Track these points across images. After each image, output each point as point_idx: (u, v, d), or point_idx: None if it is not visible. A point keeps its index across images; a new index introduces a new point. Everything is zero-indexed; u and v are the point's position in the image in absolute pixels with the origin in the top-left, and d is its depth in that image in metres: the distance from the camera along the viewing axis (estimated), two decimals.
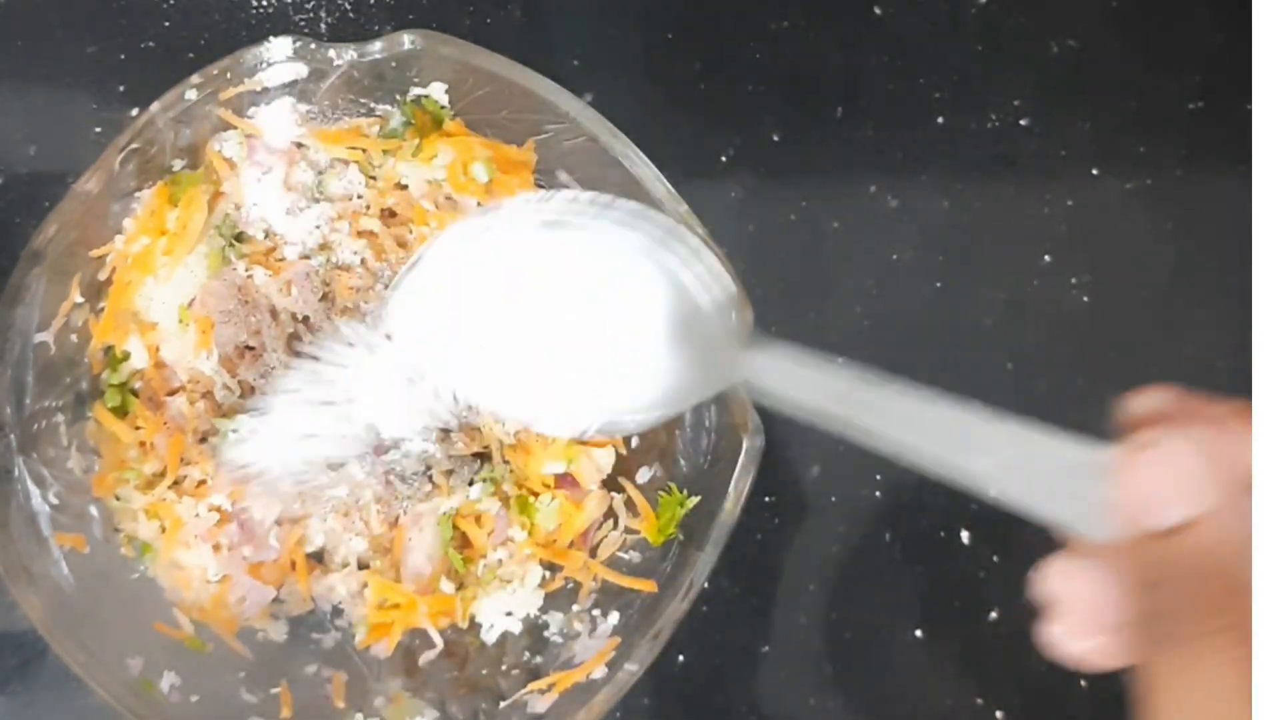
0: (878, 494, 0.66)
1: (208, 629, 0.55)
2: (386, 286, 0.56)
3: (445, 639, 0.56)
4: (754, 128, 0.66)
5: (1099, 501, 0.34)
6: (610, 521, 0.57)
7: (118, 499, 0.55)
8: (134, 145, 0.51)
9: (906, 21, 0.67)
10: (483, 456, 0.58)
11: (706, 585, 0.55)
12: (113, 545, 0.55)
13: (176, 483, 0.55)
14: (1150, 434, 0.33)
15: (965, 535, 0.66)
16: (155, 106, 0.51)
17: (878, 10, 0.67)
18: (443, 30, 0.52)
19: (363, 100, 0.56)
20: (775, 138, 0.66)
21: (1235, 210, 0.68)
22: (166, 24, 0.63)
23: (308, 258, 0.56)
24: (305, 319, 0.56)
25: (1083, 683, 0.66)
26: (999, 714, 0.65)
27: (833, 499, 0.65)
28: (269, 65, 0.51)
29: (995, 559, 0.66)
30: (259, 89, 0.53)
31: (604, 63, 0.66)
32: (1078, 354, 0.67)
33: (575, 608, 0.56)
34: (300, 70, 0.52)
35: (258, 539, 0.56)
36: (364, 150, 0.57)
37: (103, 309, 0.54)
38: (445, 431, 0.57)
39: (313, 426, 0.53)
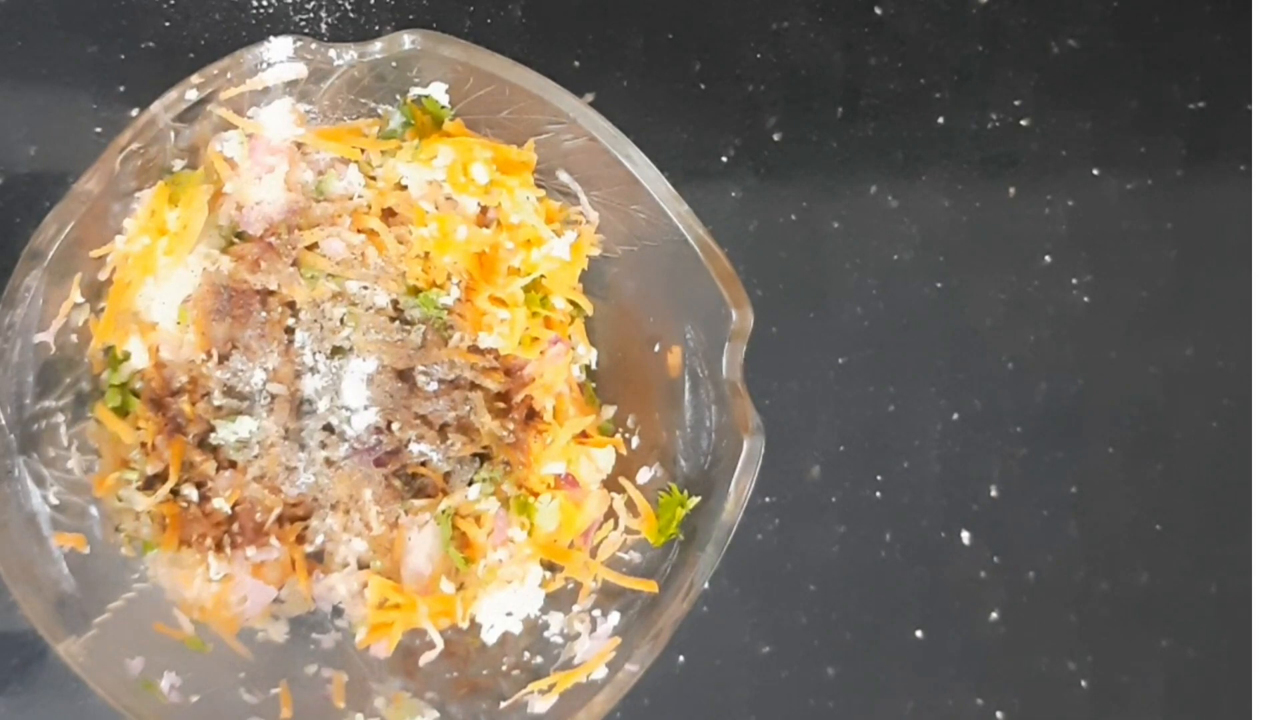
0: (878, 494, 0.66)
1: (208, 629, 0.55)
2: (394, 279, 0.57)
3: (445, 639, 0.56)
4: (754, 128, 0.66)
5: None
6: (610, 522, 0.57)
7: (119, 500, 0.55)
8: (134, 145, 0.50)
9: (907, 21, 0.67)
10: (483, 456, 0.58)
11: (707, 586, 0.55)
12: (113, 545, 0.55)
13: (178, 484, 0.55)
14: None
15: (965, 535, 0.66)
16: (156, 106, 0.50)
17: (878, 10, 0.68)
18: (443, 30, 0.52)
19: (363, 100, 0.56)
20: (775, 138, 0.67)
21: (1235, 210, 0.68)
22: (167, 24, 0.63)
23: (274, 235, 0.56)
24: (291, 304, 0.56)
25: (1083, 683, 0.66)
26: (999, 714, 0.65)
27: (833, 499, 0.66)
28: (269, 65, 0.51)
29: (995, 559, 0.66)
30: (259, 89, 0.52)
31: (604, 63, 0.66)
32: (1078, 354, 0.67)
33: (576, 608, 0.56)
34: (301, 70, 0.52)
35: (259, 539, 0.56)
36: (363, 150, 0.57)
37: (103, 309, 0.54)
38: (444, 432, 0.57)
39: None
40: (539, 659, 0.56)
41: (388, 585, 0.56)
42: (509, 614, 0.57)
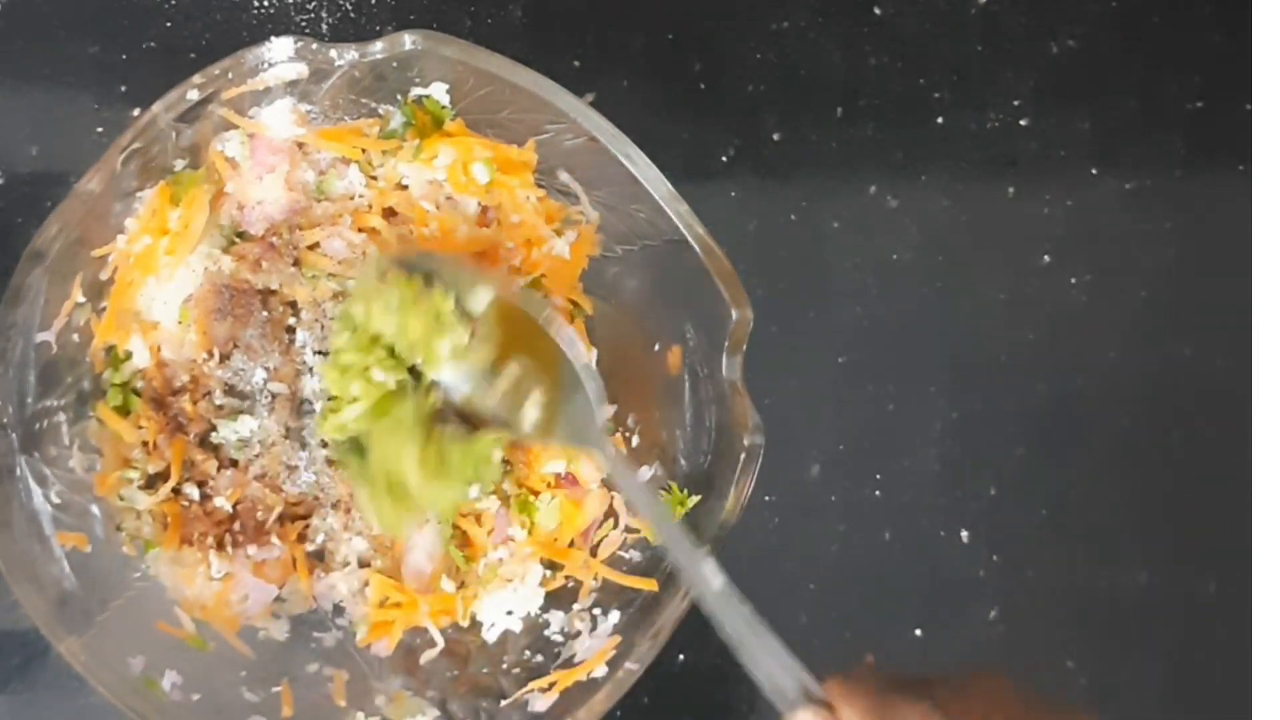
0: (878, 494, 0.66)
1: (209, 627, 0.55)
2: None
3: (446, 638, 0.57)
4: (754, 128, 0.66)
5: None
6: (610, 520, 0.57)
7: (121, 499, 0.55)
8: (136, 145, 0.51)
9: (906, 21, 0.68)
10: None
11: None
12: (114, 544, 0.55)
13: (179, 483, 0.55)
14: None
15: (965, 535, 0.66)
16: (157, 106, 0.51)
17: (878, 10, 0.68)
18: (444, 30, 0.52)
19: (364, 100, 0.56)
20: (775, 137, 0.67)
21: (1235, 210, 0.68)
22: (168, 24, 0.63)
23: (276, 235, 0.56)
24: (293, 303, 0.56)
25: (1082, 681, 0.66)
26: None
27: (833, 499, 0.66)
28: (270, 65, 0.51)
29: (995, 559, 0.66)
30: (261, 89, 0.53)
31: (604, 63, 0.66)
32: (1078, 354, 0.67)
33: (576, 606, 0.57)
34: (302, 70, 0.52)
35: (260, 538, 0.56)
36: (364, 150, 0.57)
37: (104, 308, 0.54)
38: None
39: None
40: (539, 657, 0.56)
41: (389, 583, 0.56)
42: (509, 612, 0.57)
